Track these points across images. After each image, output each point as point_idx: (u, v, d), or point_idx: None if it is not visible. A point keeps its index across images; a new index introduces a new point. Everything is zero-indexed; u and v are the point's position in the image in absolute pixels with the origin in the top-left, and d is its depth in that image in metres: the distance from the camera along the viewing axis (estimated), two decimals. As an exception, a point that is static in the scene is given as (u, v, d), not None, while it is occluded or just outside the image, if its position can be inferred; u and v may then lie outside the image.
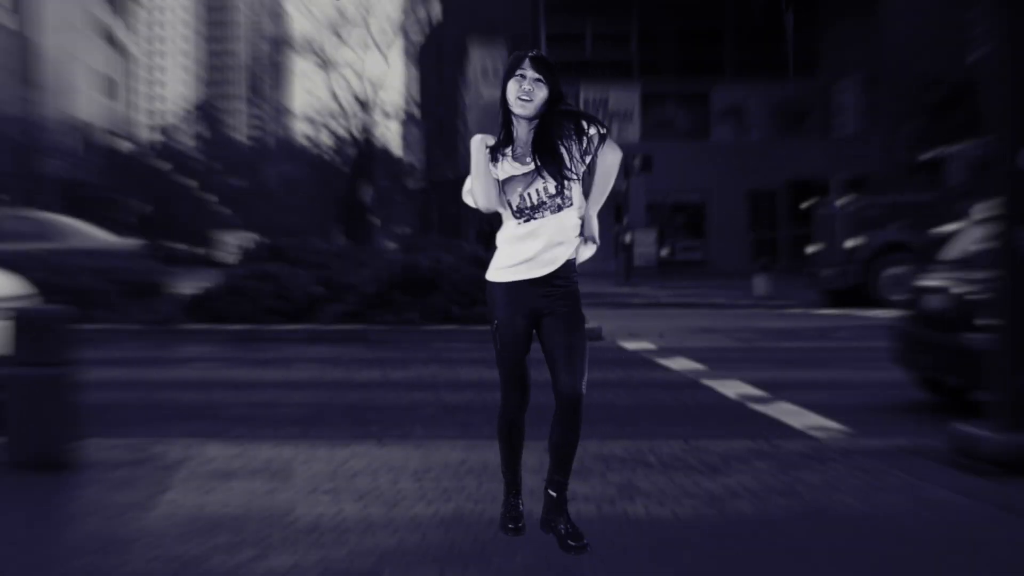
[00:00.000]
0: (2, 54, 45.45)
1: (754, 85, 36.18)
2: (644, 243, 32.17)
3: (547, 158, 4.01)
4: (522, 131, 4.09)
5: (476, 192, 4.06)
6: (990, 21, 6.00)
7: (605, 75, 35.87)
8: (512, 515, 4.32)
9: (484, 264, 17.63)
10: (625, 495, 5.29)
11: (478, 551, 4.39)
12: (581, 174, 4.12)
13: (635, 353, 12.43)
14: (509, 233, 4.13)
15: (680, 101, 37.48)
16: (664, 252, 34.75)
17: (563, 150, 4.03)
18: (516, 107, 4.02)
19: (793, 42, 34.60)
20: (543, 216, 4.04)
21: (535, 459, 5.14)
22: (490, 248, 4.35)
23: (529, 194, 4.04)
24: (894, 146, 31.51)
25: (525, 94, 3.99)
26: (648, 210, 32.06)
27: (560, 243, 4.08)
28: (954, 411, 7.49)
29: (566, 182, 4.03)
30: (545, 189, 4.03)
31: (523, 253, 4.08)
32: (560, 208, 4.04)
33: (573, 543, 4.13)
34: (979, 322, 7.74)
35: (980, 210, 9.18)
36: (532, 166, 4.04)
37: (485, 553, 4.37)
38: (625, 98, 36.01)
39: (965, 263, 8.44)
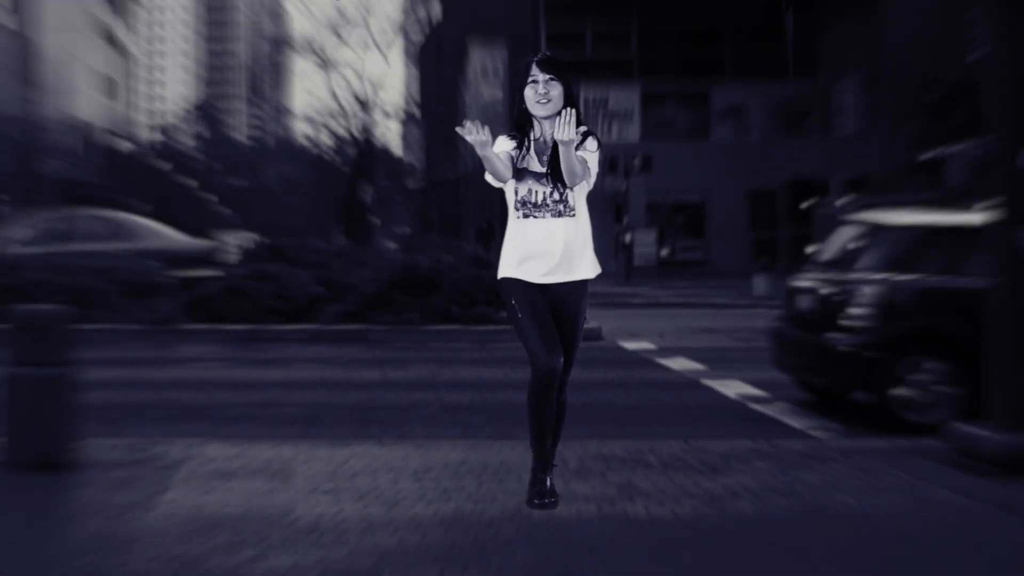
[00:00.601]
0: (2, 54, 45.45)
1: (754, 85, 36.17)
2: (644, 243, 32.17)
3: (558, 172, 4.29)
4: (545, 129, 4.37)
5: (497, 166, 4.25)
6: (990, 21, 6.00)
7: (605, 75, 35.85)
8: (540, 490, 4.42)
9: (484, 264, 17.43)
10: (625, 495, 5.29)
11: (478, 551, 4.39)
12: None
13: (635, 353, 12.43)
14: (511, 227, 4.39)
15: (680, 101, 37.47)
16: (664, 252, 34.75)
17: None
18: (538, 110, 4.32)
19: (793, 42, 34.59)
20: (543, 217, 4.28)
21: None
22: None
23: (535, 191, 4.31)
24: (894, 146, 31.50)
25: (542, 96, 4.29)
26: (648, 210, 32.01)
27: (560, 252, 4.28)
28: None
29: (568, 192, 4.31)
30: (551, 193, 4.31)
31: (523, 258, 4.33)
32: (560, 214, 4.29)
33: (536, 500, 4.54)
34: (843, 323, 7.79)
35: (857, 212, 9.22)
36: (545, 169, 4.33)
37: (485, 553, 4.37)
38: (625, 98, 36.01)
39: (835, 264, 8.44)
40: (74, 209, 22.98)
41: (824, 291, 8.24)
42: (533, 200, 4.30)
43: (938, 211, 8.31)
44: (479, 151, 4.13)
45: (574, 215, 4.29)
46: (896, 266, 7.87)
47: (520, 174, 4.32)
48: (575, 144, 4.18)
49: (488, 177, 4.34)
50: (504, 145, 4.34)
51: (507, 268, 4.37)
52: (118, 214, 18.90)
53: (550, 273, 4.29)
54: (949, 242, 7.87)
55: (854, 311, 7.78)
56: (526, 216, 4.30)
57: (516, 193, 4.33)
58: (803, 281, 8.74)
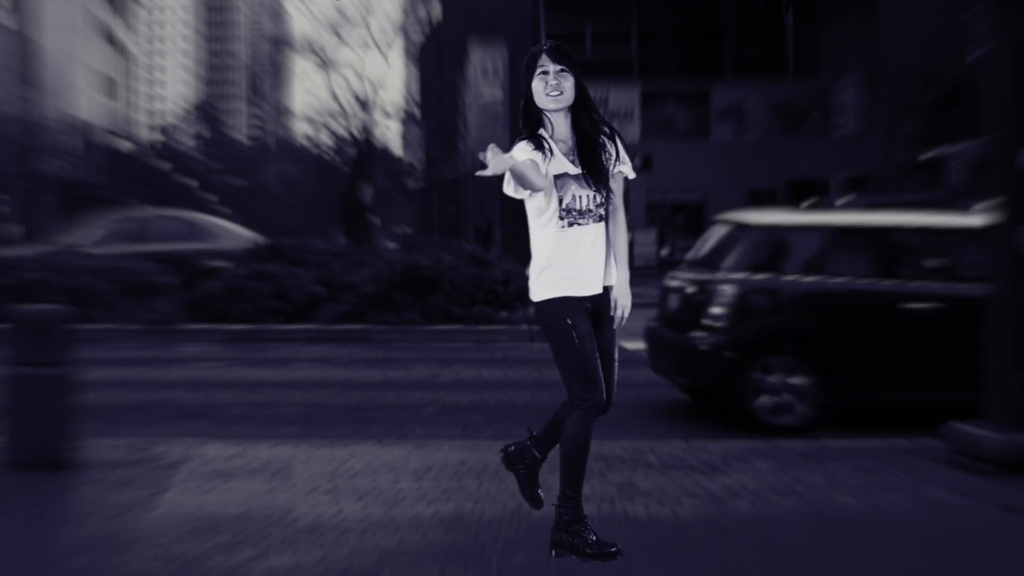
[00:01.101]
0: (2, 54, 45.44)
1: (754, 85, 36.17)
2: (644, 243, 32.17)
3: (593, 169, 3.96)
4: (560, 126, 4.02)
5: (534, 180, 3.81)
6: (990, 20, 6.00)
7: (605, 75, 35.83)
8: (602, 542, 4.01)
9: (484, 264, 17.22)
10: (625, 495, 5.29)
11: (478, 551, 4.40)
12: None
13: (635, 353, 12.41)
14: (550, 241, 3.96)
15: (680, 100, 37.47)
16: (664, 252, 34.75)
17: (604, 161, 3.99)
18: (549, 103, 3.98)
19: (793, 42, 34.58)
20: (587, 224, 3.94)
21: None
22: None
23: (579, 197, 3.94)
24: (894, 146, 31.50)
25: (554, 88, 3.98)
26: (648, 210, 32.03)
27: (604, 257, 3.97)
28: (955, 412, 7.48)
29: (608, 193, 3.98)
30: (593, 197, 3.94)
31: (571, 270, 3.94)
32: (602, 219, 3.97)
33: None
34: (704, 322, 7.78)
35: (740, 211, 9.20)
36: (581, 170, 3.96)
37: (485, 553, 4.37)
38: (625, 98, 35.98)
39: (703, 263, 8.42)
40: (149, 210, 23.02)
41: (689, 290, 8.22)
42: (578, 207, 3.91)
43: (800, 212, 8.28)
44: (509, 170, 3.69)
45: (604, 219, 3.97)
46: (757, 266, 7.85)
47: (561, 180, 3.91)
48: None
49: (509, 190, 3.90)
50: (526, 152, 3.90)
51: (557, 287, 3.92)
52: (192, 214, 18.93)
53: (591, 284, 3.94)
54: (807, 242, 7.85)
55: (714, 310, 7.77)
56: (571, 224, 3.91)
57: (560, 201, 3.90)
58: (674, 281, 8.71)
